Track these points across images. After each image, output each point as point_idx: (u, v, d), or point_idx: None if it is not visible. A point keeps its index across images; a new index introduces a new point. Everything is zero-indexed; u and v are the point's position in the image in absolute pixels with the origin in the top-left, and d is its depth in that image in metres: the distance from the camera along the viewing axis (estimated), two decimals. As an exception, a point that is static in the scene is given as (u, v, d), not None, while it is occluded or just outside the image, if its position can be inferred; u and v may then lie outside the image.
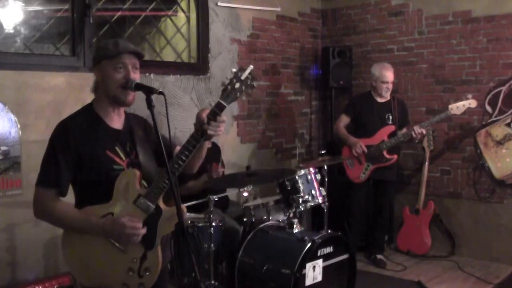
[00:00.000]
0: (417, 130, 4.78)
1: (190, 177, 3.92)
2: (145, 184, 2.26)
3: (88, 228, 2.15)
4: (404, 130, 5.00)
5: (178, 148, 2.36)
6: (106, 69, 2.19)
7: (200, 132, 2.19)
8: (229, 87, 2.14)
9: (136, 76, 2.21)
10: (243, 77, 2.13)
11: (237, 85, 2.14)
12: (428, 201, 5.28)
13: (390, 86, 4.95)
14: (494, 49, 5.11)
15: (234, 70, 2.17)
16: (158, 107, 2.24)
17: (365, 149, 4.89)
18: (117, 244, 2.16)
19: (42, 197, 2.17)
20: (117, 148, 2.23)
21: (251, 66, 2.16)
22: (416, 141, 5.04)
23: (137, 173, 2.22)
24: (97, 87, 2.28)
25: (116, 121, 2.29)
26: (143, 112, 3.12)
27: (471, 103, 4.81)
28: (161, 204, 2.24)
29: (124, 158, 2.24)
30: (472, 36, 5.23)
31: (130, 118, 2.38)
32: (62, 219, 2.16)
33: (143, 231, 2.17)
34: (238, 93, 2.14)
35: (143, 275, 2.19)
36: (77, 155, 2.15)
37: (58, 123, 2.23)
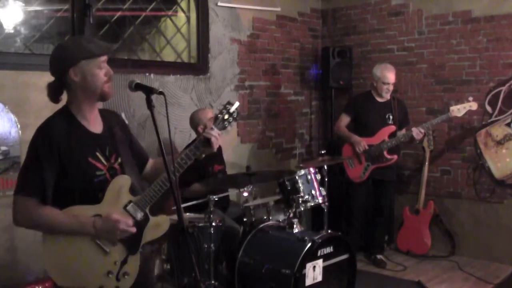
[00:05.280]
0: (416, 131, 4.79)
1: (195, 180, 3.96)
2: None
3: (77, 228, 2.14)
4: (403, 130, 5.00)
5: (151, 161, 2.54)
6: (88, 69, 2.17)
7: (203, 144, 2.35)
8: (219, 116, 2.39)
9: None
10: (231, 110, 2.40)
11: (226, 116, 2.39)
12: (428, 201, 5.27)
13: (391, 87, 4.94)
14: (494, 49, 5.11)
15: (222, 103, 2.44)
16: (158, 107, 2.25)
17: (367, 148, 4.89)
18: (102, 246, 2.18)
19: (25, 206, 2.14)
20: (98, 154, 2.22)
21: (238, 103, 2.42)
22: (417, 142, 5.04)
23: (130, 179, 2.26)
24: (63, 89, 2.23)
25: (95, 123, 2.28)
26: (143, 112, 3.10)
27: (472, 105, 4.82)
28: (149, 213, 2.30)
29: (105, 163, 2.24)
30: (472, 36, 5.22)
31: (106, 117, 2.36)
32: (49, 224, 2.14)
33: (134, 229, 2.21)
34: (226, 123, 2.39)
35: (120, 279, 2.22)
36: (60, 162, 2.13)
37: (38, 127, 2.19)
